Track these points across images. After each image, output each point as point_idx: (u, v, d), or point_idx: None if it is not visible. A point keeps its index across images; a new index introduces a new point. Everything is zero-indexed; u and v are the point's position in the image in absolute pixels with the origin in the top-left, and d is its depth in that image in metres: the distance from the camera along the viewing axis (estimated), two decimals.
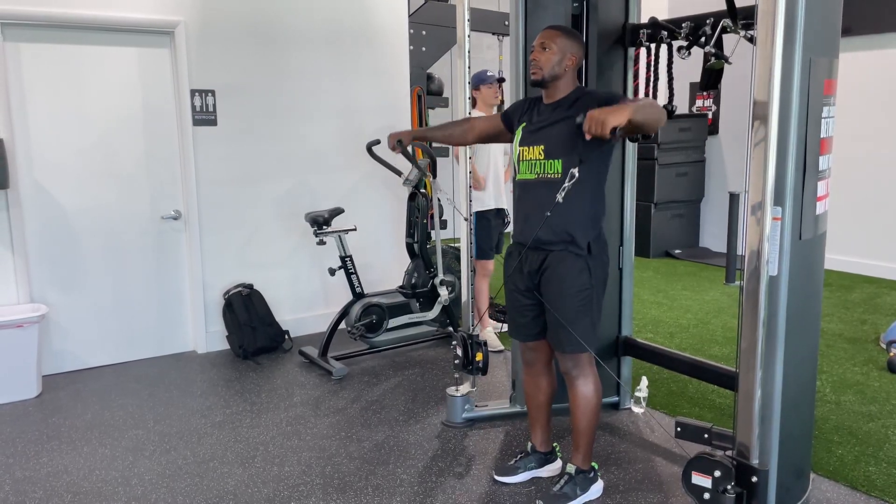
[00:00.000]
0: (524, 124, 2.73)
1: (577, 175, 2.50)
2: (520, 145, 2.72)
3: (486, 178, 4.42)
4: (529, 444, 2.99)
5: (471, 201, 3.51)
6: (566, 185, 2.52)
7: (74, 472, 3.06)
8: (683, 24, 2.93)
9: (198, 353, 4.61)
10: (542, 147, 2.62)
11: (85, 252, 4.24)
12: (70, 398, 3.87)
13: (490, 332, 4.64)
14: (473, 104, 4.47)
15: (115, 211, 4.30)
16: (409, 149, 3.87)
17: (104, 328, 4.34)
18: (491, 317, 4.86)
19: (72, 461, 3.16)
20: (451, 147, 4.53)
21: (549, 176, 2.61)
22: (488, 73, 4.49)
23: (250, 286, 4.64)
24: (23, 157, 4.00)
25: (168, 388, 4.01)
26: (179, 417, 3.61)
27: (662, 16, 3.15)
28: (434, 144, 5.53)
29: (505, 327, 4.76)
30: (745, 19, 2.64)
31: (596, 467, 2.83)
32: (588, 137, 2.31)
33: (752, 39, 2.36)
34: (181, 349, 4.62)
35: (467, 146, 3.35)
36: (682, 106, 7.59)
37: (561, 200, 2.53)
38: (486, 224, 4.39)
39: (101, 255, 4.29)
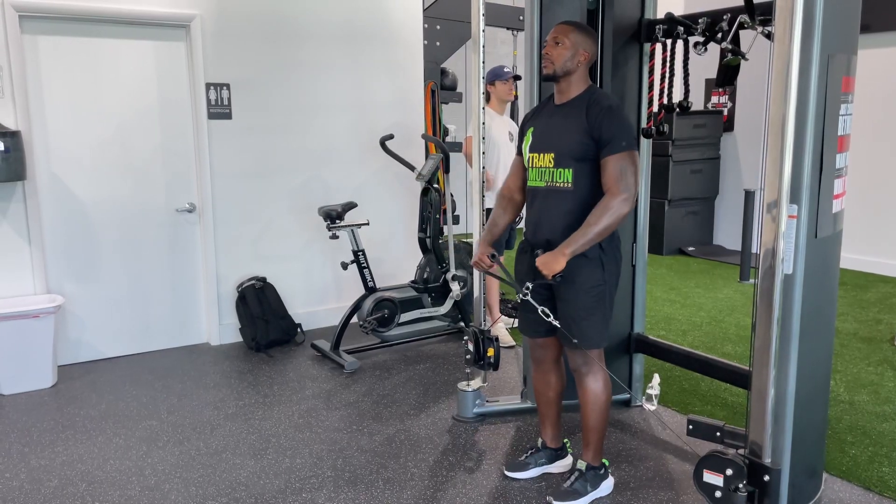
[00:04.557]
0: (532, 129, 2.71)
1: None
2: (530, 151, 2.69)
3: (496, 177, 4.40)
4: (540, 440, 2.99)
5: (484, 196, 3.51)
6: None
7: (89, 461, 3.10)
8: (700, 20, 2.91)
9: (211, 345, 4.64)
10: (552, 155, 2.60)
11: (100, 243, 4.28)
12: (85, 388, 3.91)
13: (501, 327, 4.64)
14: (487, 99, 4.46)
15: (131, 203, 4.33)
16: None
17: (119, 319, 4.38)
18: (502, 312, 4.86)
19: (86, 450, 3.19)
20: (463, 151, 4.52)
21: (557, 185, 2.60)
22: (505, 70, 4.47)
23: (263, 279, 4.66)
24: (40, 149, 4.03)
25: (182, 379, 4.04)
26: (192, 409, 3.64)
27: (679, 11, 3.13)
28: (448, 139, 5.53)
29: (516, 323, 4.75)
30: (762, 15, 2.62)
31: (607, 464, 2.82)
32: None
33: (769, 35, 2.34)
34: (195, 341, 4.66)
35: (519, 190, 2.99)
36: (697, 102, 7.54)
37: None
38: None
39: (116, 247, 4.32)
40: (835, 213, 2.45)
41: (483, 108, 3.38)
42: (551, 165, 2.60)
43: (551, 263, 2.47)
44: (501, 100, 4.49)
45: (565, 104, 2.63)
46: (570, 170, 2.56)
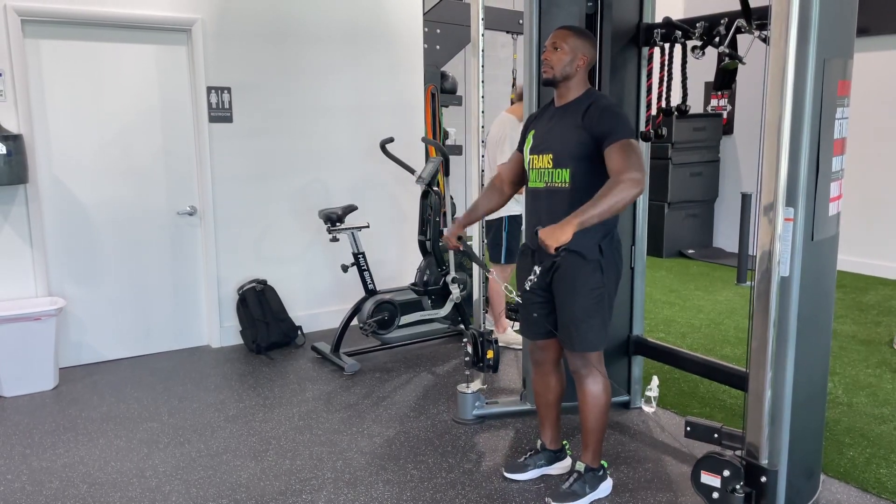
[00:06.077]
0: (533, 131, 2.74)
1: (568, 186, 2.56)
2: (530, 153, 2.72)
3: None
4: (539, 442, 3.00)
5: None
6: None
7: (90, 463, 3.11)
8: (698, 24, 2.93)
9: (212, 347, 4.66)
10: (550, 156, 2.62)
11: (102, 246, 4.30)
12: (86, 390, 3.93)
13: (510, 331, 4.64)
14: (519, 99, 4.40)
15: (132, 206, 4.35)
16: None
17: (120, 322, 4.40)
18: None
19: (87, 452, 3.21)
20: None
21: (556, 185, 2.61)
22: None
23: (264, 282, 4.68)
24: (42, 152, 4.05)
25: (182, 381, 4.06)
26: (193, 411, 3.65)
27: (677, 15, 3.15)
28: (448, 142, 5.55)
29: (518, 325, 4.76)
30: (759, 19, 2.64)
31: (605, 465, 2.83)
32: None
33: (766, 40, 2.36)
34: (196, 343, 4.67)
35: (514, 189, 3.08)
36: (696, 105, 7.56)
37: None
38: (517, 228, 4.37)
39: (117, 250, 4.34)
40: (831, 215, 2.47)
41: (482, 112, 3.39)
42: (550, 166, 2.62)
43: (558, 233, 2.31)
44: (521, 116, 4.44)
45: (564, 106, 2.66)
46: (568, 169, 2.57)
